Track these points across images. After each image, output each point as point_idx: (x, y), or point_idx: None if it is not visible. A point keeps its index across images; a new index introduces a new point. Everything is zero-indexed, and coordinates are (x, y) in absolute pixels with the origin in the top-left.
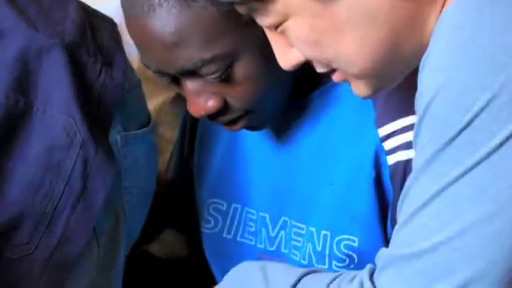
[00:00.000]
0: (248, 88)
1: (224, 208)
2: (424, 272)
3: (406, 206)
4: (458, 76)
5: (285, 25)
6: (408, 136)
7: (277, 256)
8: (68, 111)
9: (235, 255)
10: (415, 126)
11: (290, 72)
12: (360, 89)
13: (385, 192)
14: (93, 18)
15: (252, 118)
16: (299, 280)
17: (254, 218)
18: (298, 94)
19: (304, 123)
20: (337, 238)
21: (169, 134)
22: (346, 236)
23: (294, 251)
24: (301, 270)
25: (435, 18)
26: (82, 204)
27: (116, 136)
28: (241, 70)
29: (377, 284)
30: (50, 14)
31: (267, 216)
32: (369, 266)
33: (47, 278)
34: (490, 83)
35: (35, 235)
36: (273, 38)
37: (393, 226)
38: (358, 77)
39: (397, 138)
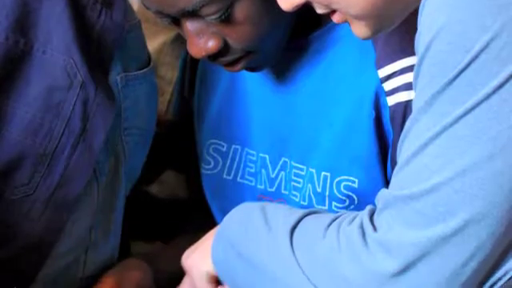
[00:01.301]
0: (248, 29)
1: (224, 149)
2: (424, 213)
3: (405, 147)
4: (459, 17)
5: None
6: (408, 77)
7: (277, 197)
8: (68, 52)
9: (235, 196)
10: (415, 66)
11: (290, 13)
12: (360, 30)
13: (385, 133)
14: None
15: (252, 59)
16: (299, 221)
17: (254, 159)
18: (298, 35)
19: (304, 64)
20: (337, 179)
21: (169, 74)
22: (346, 177)
23: (294, 192)
24: (301, 211)
25: None
26: (82, 145)
27: (116, 77)
28: (241, 10)
29: (377, 224)
30: None
31: (267, 157)
32: (369, 207)
33: (47, 219)
34: (490, 24)
35: (35, 176)
36: None
37: (393, 167)
38: (358, 17)
39: (397, 79)
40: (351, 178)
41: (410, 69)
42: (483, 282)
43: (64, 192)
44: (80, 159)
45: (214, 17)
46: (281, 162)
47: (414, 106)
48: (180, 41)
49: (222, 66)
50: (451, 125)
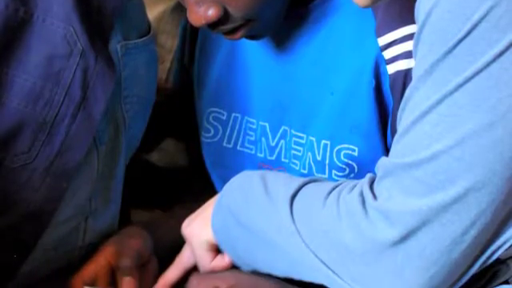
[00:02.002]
0: None
1: (224, 117)
2: (424, 181)
3: (405, 116)
4: None
5: None
6: (408, 45)
7: (277, 165)
8: (68, 20)
9: (235, 164)
10: (415, 35)
11: None
12: None
13: (385, 101)
14: None
15: (252, 27)
16: (299, 189)
17: (254, 127)
18: (298, 3)
19: (304, 32)
20: (337, 147)
21: (169, 43)
22: (346, 145)
23: (294, 160)
24: (301, 180)
25: None
26: (82, 113)
27: (116, 45)
28: None
29: (376, 193)
30: None
31: (267, 125)
32: (369, 175)
33: (47, 187)
34: None
35: (35, 144)
36: None
37: (393, 135)
38: None
39: (397, 47)
40: (351, 147)
41: (410, 37)
42: (483, 250)
43: (64, 160)
44: (80, 128)
45: None
46: (281, 131)
47: (414, 75)
48: (180, 9)
49: (222, 35)
50: (451, 93)
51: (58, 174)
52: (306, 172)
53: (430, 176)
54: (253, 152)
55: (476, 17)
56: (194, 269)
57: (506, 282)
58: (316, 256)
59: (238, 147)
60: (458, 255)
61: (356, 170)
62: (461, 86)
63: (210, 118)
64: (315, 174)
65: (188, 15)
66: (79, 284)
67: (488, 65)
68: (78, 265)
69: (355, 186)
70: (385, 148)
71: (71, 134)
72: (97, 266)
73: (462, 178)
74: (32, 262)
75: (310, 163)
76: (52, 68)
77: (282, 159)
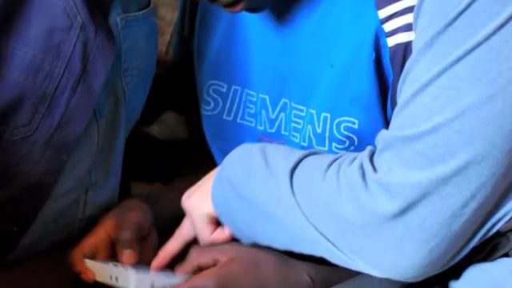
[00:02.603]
0: None
1: (224, 90)
2: (424, 154)
3: (405, 88)
4: None
5: None
6: (408, 18)
7: (277, 138)
8: None
9: (235, 137)
10: (415, 7)
11: None
12: None
13: (385, 74)
14: None
15: (252, 0)
16: (299, 162)
17: (254, 99)
18: None
19: (304, 5)
20: (337, 120)
21: (169, 15)
22: (346, 118)
23: (294, 133)
24: (301, 152)
25: None
26: (82, 86)
27: (116, 18)
28: None
29: (376, 165)
30: None
31: (267, 98)
32: (369, 148)
33: (47, 160)
34: None
35: (35, 117)
36: None
37: (393, 108)
38: None
39: (397, 20)
40: (351, 119)
41: (410, 10)
42: (483, 223)
43: (64, 133)
44: (80, 100)
45: None
46: (281, 103)
47: (414, 47)
48: None
49: (222, 8)
50: (451, 66)
51: (58, 147)
52: (305, 145)
53: (429, 149)
54: (253, 125)
55: None
56: (194, 241)
57: (506, 255)
58: (316, 229)
59: (238, 120)
60: (458, 228)
61: (356, 143)
62: (461, 58)
63: (210, 91)
64: (315, 146)
65: None
66: (79, 257)
67: (488, 37)
68: (77, 237)
69: (355, 158)
70: (385, 121)
71: (71, 106)
72: (97, 238)
73: (461, 150)
74: (32, 234)
75: (309, 136)
76: (52, 41)
77: (282, 132)
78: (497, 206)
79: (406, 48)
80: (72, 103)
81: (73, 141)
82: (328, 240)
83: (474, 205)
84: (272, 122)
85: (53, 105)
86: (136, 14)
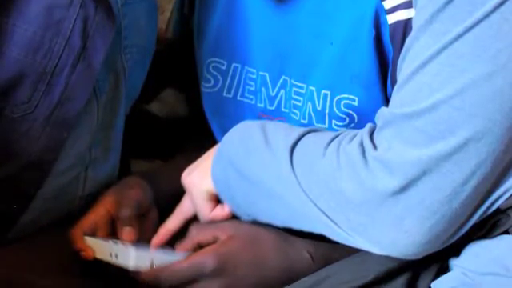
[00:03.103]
0: None
1: (224, 67)
2: (424, 131)
3: (406, 66)
4: None
5: None
6: None
7: (277, 115)
8: None
9: (235, 114)
10: None
11: None
12: None
13: (385, 51)
14: None
15: None
16: (299, 139)
17: (254, 77)
18: None
19: None
20: (337, 97)
21: None
22: (346, 95)
23: (294, 110)
24: (301, 129)
25: None
26: (82, 63)
27: None
28: None
29: (377, 143)
30: None
31: (267, 75)
32: (369, 125)
33: (47, 137)
34: None
35: (35, 94)
36: None
37: (393, 85)
38: None
39: None
40: (351, 97)
41: None
42: (483, 200)
43: (64, 110)
44: (80, 77)
45: None
46: (281, 81)
47: (414, 24)
48: None
49: None
50: (451, 43)
51: (58, 124)
52: (305, 122)
53: (430, 126)
54: (253, 102)
55: None
56: (194, 219)
57: (506, 232)
58: (315, 205)
59: (238, 97)
60: (458, 205)
61: (356, 120)
62: (461, 35)
63: (210, 68)
64: (315, 123)
65: None
66: (79, 234)
67: (488, 15)
68: (77, 215)
69: (355, 136)
70: (385, 98)
71: (71, 83)
72: (97, 216)
73: (462, 127)
74: (32, 211)
75: (309, 113)
76: (52, 18)
77: (282, 109)
78: (497, 184)
79: (406, 25)
80: (72, 80)
81: (73, 118)
82: (328, 217)
83: (473, 182)
84: (272, 99)
85: (53, 82)
86: None
